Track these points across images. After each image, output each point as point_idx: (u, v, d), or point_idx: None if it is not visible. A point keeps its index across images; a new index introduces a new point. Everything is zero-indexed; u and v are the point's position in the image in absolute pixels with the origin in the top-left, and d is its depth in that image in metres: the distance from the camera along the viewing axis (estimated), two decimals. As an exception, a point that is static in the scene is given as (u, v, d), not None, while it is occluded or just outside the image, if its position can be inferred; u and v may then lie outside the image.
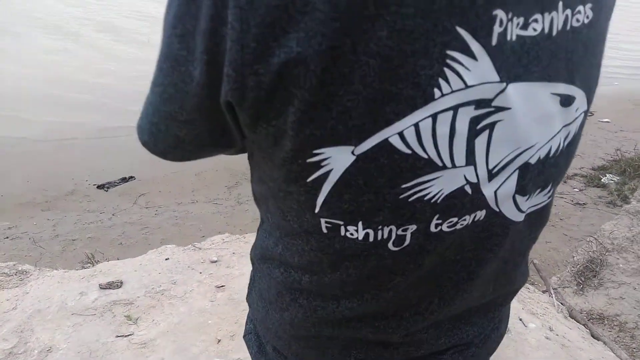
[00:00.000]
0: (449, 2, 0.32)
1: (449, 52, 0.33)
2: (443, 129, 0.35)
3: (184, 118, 0.39)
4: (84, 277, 2.00)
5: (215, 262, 2.19)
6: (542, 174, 0.43)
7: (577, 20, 0.38)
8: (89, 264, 2.34)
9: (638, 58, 8.22)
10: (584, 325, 2.21)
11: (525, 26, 0.35)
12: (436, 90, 0.34)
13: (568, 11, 0.37)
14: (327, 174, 0.37)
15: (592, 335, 2.19)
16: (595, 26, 0.40)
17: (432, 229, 0.41)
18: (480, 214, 0.41)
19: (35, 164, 4.14)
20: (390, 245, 0.41)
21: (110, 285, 1.94)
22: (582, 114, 0.43)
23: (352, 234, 0.41)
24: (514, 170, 0.40)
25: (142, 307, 1.83)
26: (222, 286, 1.99)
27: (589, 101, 0.43)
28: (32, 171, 4.03)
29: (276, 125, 0.35)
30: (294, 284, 0.48)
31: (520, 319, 1.91)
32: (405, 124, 0.35)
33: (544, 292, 2.46)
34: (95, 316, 1.77)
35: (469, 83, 0.34)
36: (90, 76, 5.70)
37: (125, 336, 1.68)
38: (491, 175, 0.39)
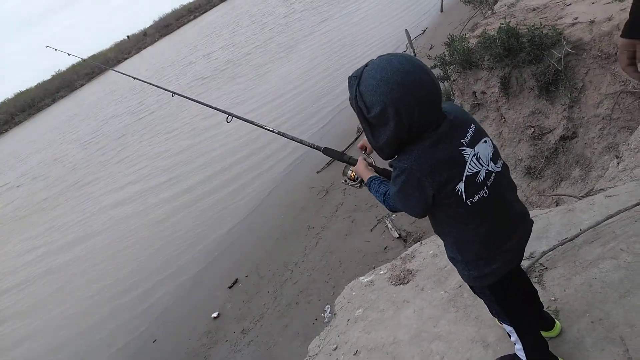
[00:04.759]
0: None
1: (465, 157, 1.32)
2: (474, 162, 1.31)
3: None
4: None
5: None
6: (493, 158, 1.34)
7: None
8: None
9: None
10: (557, 201, 3.14)
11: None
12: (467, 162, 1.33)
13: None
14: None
15: (559, 199, 3.12)
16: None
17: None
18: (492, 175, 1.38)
19: None
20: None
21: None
22: (490, 141, 1.37)
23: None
24: (489, 159, 1.30)
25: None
26: None
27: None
28: None
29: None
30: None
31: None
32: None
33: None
34: None
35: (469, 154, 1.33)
36: None
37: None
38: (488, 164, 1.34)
